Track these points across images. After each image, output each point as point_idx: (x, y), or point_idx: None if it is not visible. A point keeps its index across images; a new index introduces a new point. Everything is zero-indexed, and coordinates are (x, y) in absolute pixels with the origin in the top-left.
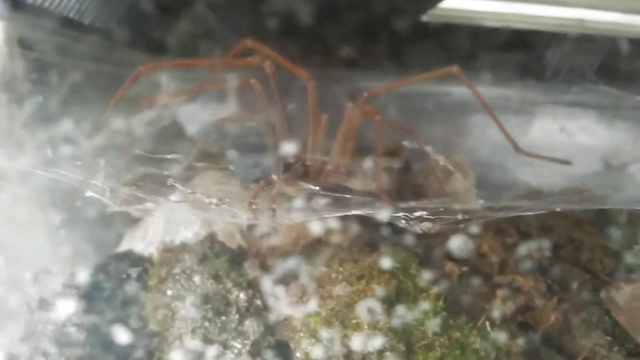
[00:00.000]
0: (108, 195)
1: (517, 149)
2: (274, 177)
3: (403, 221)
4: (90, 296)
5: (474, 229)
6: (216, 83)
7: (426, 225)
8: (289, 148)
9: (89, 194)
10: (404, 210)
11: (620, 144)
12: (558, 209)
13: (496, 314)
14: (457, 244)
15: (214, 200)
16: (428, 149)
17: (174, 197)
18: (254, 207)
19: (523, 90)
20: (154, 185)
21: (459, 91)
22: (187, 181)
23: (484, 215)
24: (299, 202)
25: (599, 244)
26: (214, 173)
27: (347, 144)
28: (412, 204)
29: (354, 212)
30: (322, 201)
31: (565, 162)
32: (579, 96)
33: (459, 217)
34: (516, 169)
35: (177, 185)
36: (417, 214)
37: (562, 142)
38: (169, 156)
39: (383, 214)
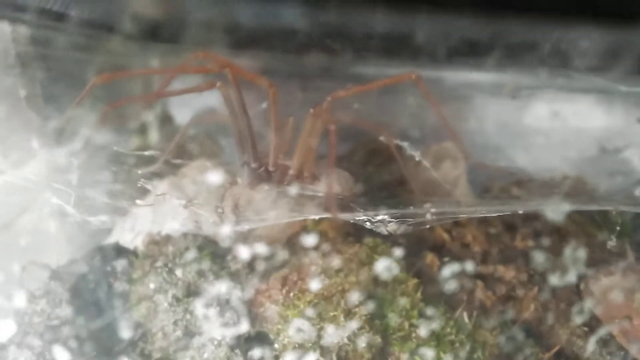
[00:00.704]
0: (72, 202)
1: (467, 158)
2: (238, 180)
3: (367, 223)
4: (75, 289)
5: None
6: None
7: (392, 227)
8: (252, 153)
9: (54, 200)
10: (365, 214)
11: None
12: (520, 211)
13: (475, 304)
14: None
15: (183, 202)
16: (404, 144)
17: (141, 201)
18: (219, 210)
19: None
20: (124, 186)
21: (451, 75)
22: (175, 170)
23: (453, 213)
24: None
25: (584, 232)
26: (203, 162)
27: (310, 149)
28: (371, 212)
29: (313, 216)
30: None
31: (511, 173)
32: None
33: (427, 216)
34: (513, 153)
35: (147, 186)
36: (379, 217)
37: (557, 126)
38: (146, 152)
39: (346, 217)
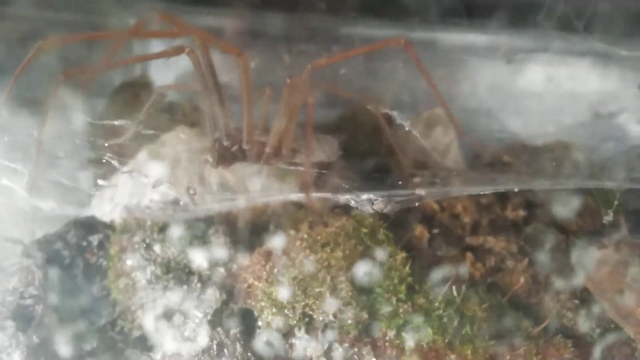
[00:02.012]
0: (25, 183)
1: (460, 135)
2: (209, 159)
3: (352, 202)
4: (49, 265)
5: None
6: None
7: (378, 206)
8: (224, 129)
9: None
10: (349, 193)
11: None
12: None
13: (464, 276)
14: None
15: (152, 181)
16: (393, 113)
17: (103, 181)
18: (191, 192)
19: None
20: (87, 163)
21: (444, 37)
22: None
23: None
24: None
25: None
26: (184, 129)
27: (289, 123)
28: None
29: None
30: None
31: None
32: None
33: (415, 194)
34: (504, 117)
35: (113, 162)
36: (364, 197)
37: (551, 90)
38: (116, 122)
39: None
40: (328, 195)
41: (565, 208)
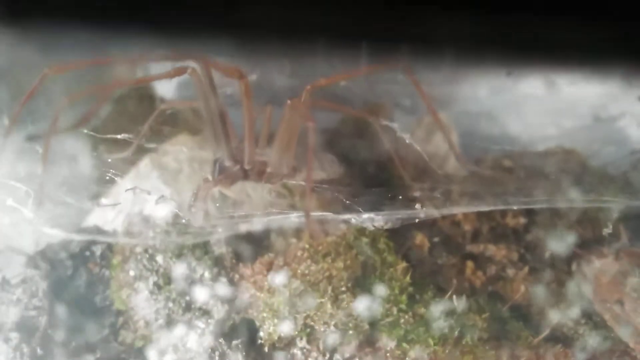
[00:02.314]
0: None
1: (459, 159)
2: (209, 178)
3: (353, 220)
4: (52, 275)
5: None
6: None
7: (379, 223)
8: (226, 149)
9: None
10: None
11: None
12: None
13: (465, 285)
14: None
15: (155, 198)
16: (394, 126)
17: (105, 200)
18: (193, 210)
19: None
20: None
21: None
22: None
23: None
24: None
25: (577, 210)
26: (186, 137)
27: (290, 143)
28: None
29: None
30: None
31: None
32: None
33: (421, 215)
34: (505, 120)
35: (117, 179)
36: (365, 216)
37: (551, 94)
38: (119, 136)
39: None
40: (329, 215)
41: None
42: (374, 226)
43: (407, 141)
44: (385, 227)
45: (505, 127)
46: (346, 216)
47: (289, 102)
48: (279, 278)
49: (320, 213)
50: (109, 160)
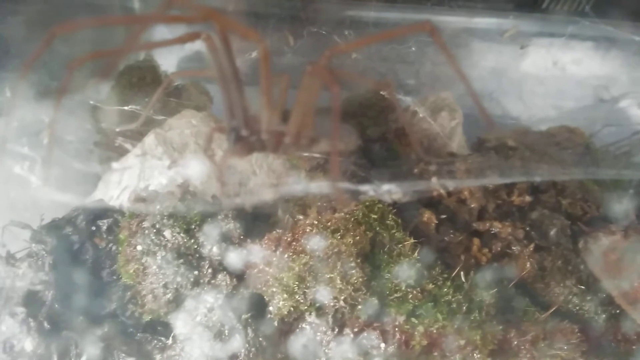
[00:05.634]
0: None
1: (489, 125)
2: (214, 150)
3: (372, 192)
4: (58, 250)
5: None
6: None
7: (396, 196)
8: (242, 118)
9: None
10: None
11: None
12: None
13: (471, 262)
14: None
15: (167, 163)
16: (407, 99)
17: (116, 164)
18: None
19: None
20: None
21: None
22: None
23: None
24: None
25: (582, 188)
26: (192, 112)
27: (307, 111)
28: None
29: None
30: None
31: None
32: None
33: (433, 181)
34: (507, 102)
35: (126, 145)
36: (385, 188)
37: (555, 74)
38: (126, 107)
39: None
40: (350, 186)
41: (569, 193)
42: (392, 199)
43: (421, 115)
44: (404, 200)
45: (507, 108)
46: (365, 187)
47: (309, 67)
48: (287, 253)
49: (343, 184)
50: (117, 130)
